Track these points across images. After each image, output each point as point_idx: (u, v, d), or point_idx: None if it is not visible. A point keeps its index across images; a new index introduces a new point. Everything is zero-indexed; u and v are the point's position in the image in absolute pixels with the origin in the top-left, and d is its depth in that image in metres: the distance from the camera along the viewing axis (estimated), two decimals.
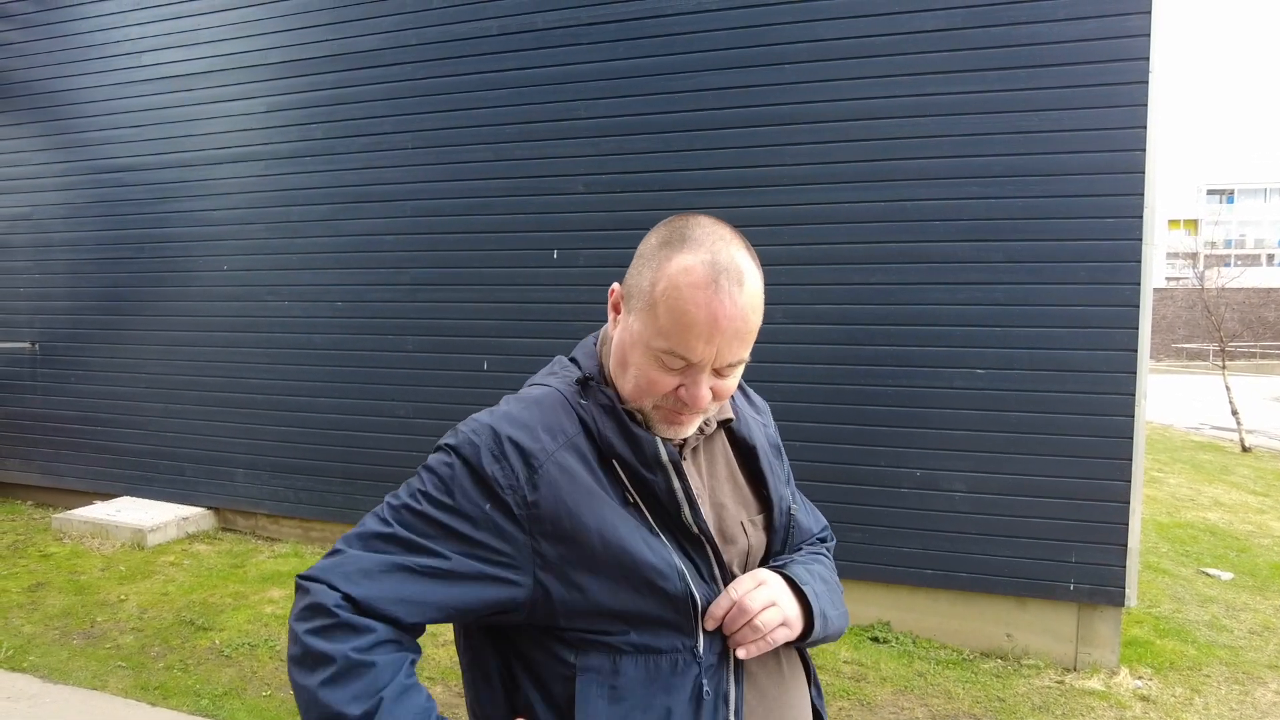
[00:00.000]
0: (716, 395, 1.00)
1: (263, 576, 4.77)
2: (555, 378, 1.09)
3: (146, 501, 5.80)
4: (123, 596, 4.46)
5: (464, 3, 4.75)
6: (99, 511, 5.61)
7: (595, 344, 1.13)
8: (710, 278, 0.93)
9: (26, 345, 6.18)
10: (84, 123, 5.88)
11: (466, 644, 1.07)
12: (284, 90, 5.22)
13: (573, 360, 1.12)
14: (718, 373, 0.98)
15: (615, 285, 1.06)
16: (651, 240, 1.01)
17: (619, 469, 1.01)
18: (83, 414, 6.02)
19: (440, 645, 3.89)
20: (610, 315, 1.08)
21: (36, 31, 6.00)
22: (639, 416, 1.03)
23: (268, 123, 5.28)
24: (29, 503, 6.38)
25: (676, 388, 0.98)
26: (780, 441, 1.24)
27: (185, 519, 5.54)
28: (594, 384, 1.05)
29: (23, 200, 6.12)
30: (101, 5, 5.76)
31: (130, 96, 5.69)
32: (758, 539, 1.11)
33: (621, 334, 1.03)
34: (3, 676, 3.56)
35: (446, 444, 1.01)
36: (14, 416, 6.29)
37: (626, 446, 1.00)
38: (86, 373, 5.99)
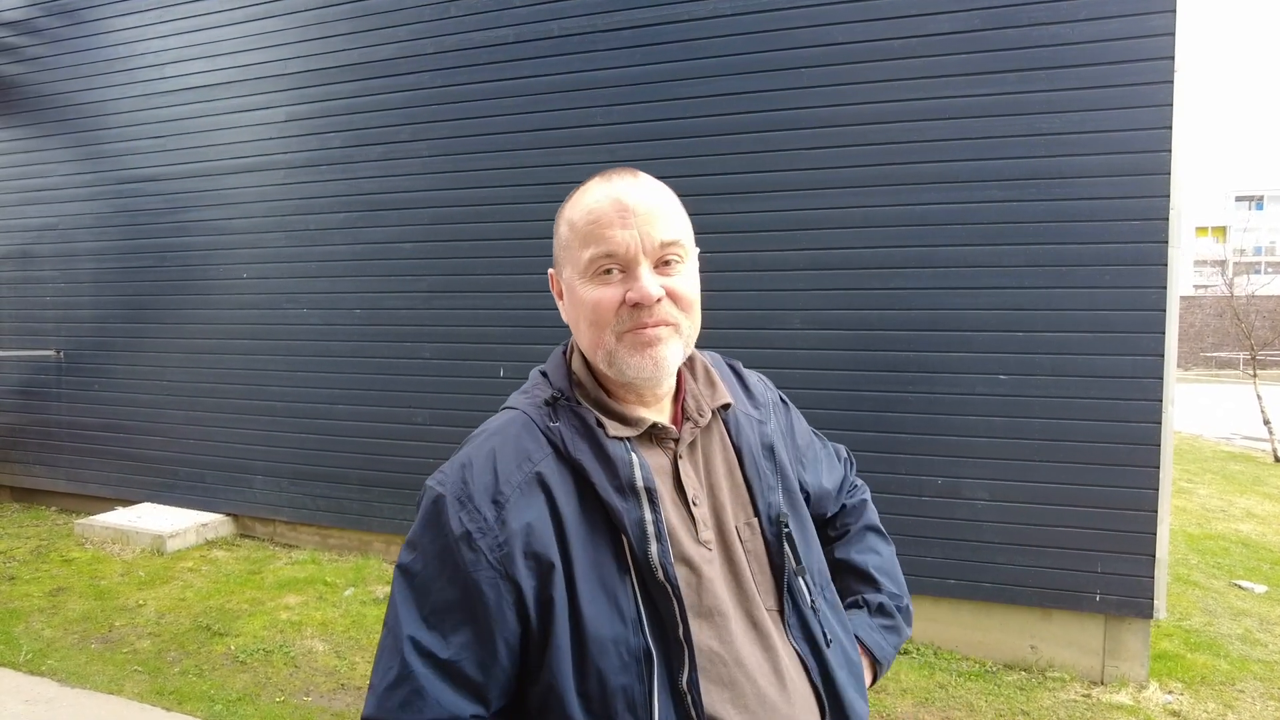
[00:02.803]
0: (675, 299, 0.97)
1: (280, 583, 4.78)
2: (525, 397, 1.04)
3: (167, 508, 5.85)
4: (141, 602, 4.48)
5: (480, 11, 4.77)
6: (120, 517, 5.66)
7: (563, 353, 1.08)
8: (604, 179, 0.98)
9: (52, 353, 6.27)
10: (107, 134, 5.97)
11: None
12: (302, 100, 5.27)
13: (544, 375, 1.06)
14: (660, 269, 0.96)
15: (549, 271, 1.07)
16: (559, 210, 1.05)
17: (593, 493, 0.94)
18: (106, 421, 6.09)
19: None
20: (559, 306, 1.06)
21: (61, 46, 6.11)
22: (614, 429, 0.98)
23: (286, 132, 5.33)
24: (53, 508, 6.46)
25: (624, 298, 0.94)
26: (774, 441, 1.11)
27: (204, 525, 5.57)
28: (564, 402, 0.99)
29: (48, 211, 6.22)
30: (124, 20, 5.85)
31: (152, 108, 5.77)
32: (756, 544, 1.02)
33: (566, 298, 1.02)
34: (22, 680, 3.58)
35: (414, 528, 0.95)
36: (40, 424, 6.38)
37: (599, 468, 0.94)
38: (109, 380, 6.07)
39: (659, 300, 0.94)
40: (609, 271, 0.95)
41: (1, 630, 4.08)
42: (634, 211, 0.94)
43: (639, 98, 4.44)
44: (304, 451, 5.39)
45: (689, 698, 0.89)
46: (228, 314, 5.60)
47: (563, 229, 1.01)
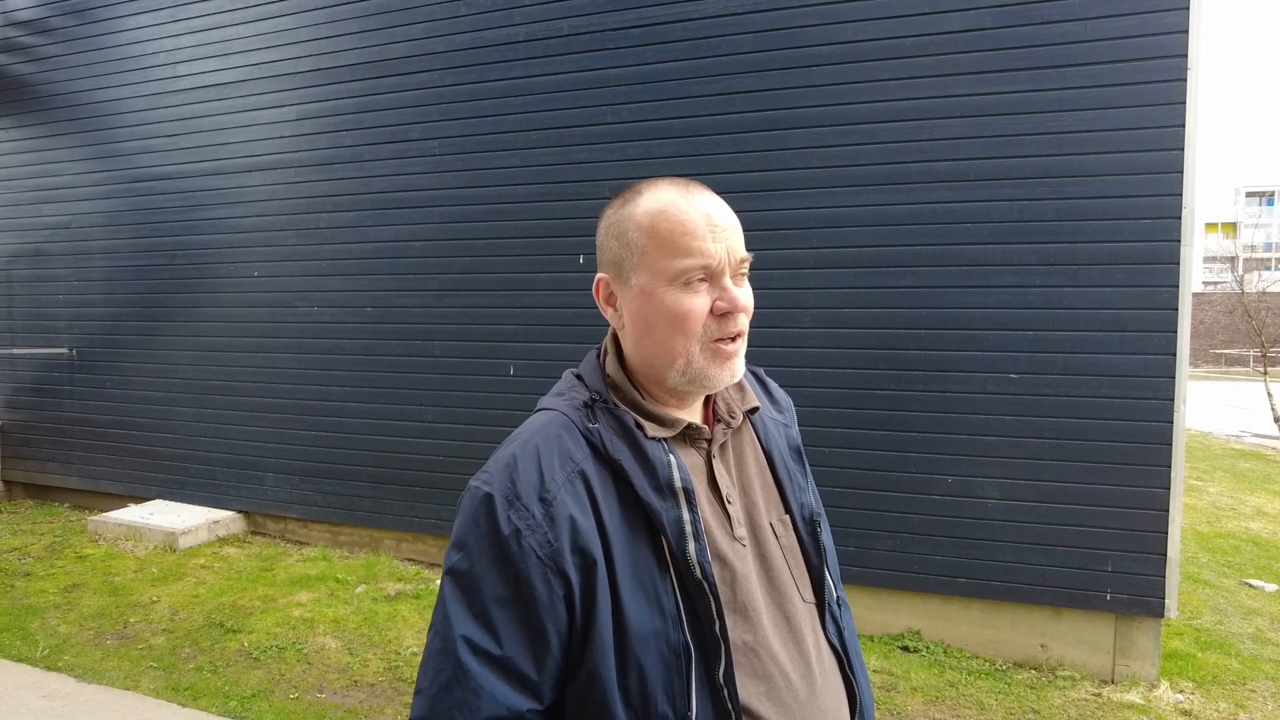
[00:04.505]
0: (746, 311, 1.02)
1: (291, 580, 4.81)
2: (562, 399, 1.06)
3: (179, 504, 5.89)
4: (155, 598, 4.52)
5: (491, 9, 4.78)
6: (133, 514, 5.70)
7: (597, 357, 1.10)
8: (682, 191, 1.00)
9: (65, 351, 6.31)
10: (120, 133, 6.00)
11: None
12: (314, 99, 5.29)
13: (579, 378, 1.08)
14: (734, 280, 1.00)
15: (599, 277, 1.06)
16: (609, 214, 1.05)
17: (632, 493, 0.96)
18: (118, 418, 6.13)
19: None
20: (607, 311, 1.06)
21: (76, 45, 6.14)
22: (653, 430, 1.00)
23: (298, 130, 5.35)
24: (66, 505, 6.50)
25: (712, 306, 0.98)
26: (800, 444, 1.18)
27: (216, 522, 5.61)
28: (601, 404, 1.02)
29: (61, 209, 6.26)
30: (137, 19, 5.88)
31: (165, 107, 5.80)
32: (790, 540, 1.07)
33: (633, 304, 1.02)
34: (39, 675, 3.62)
35: (459, 529, 0.96)
36: (53, 421, 6.43)
37: (638, 469, 0.97)
38: (122, 378, 6.10)
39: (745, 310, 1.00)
40: (698, 281, 0.98)
41: (18, 626, 4.13)
42: (721, 226, 0.98)
43: (650, 96, 4.45)
44: (315, 449, 5.42)
45: (725, 691, 0.92)
46: (239, 312, 5.63)
47: (632, 235, 1.00)
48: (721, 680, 0.92)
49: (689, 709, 0.90)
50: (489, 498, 0.93)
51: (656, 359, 1.01)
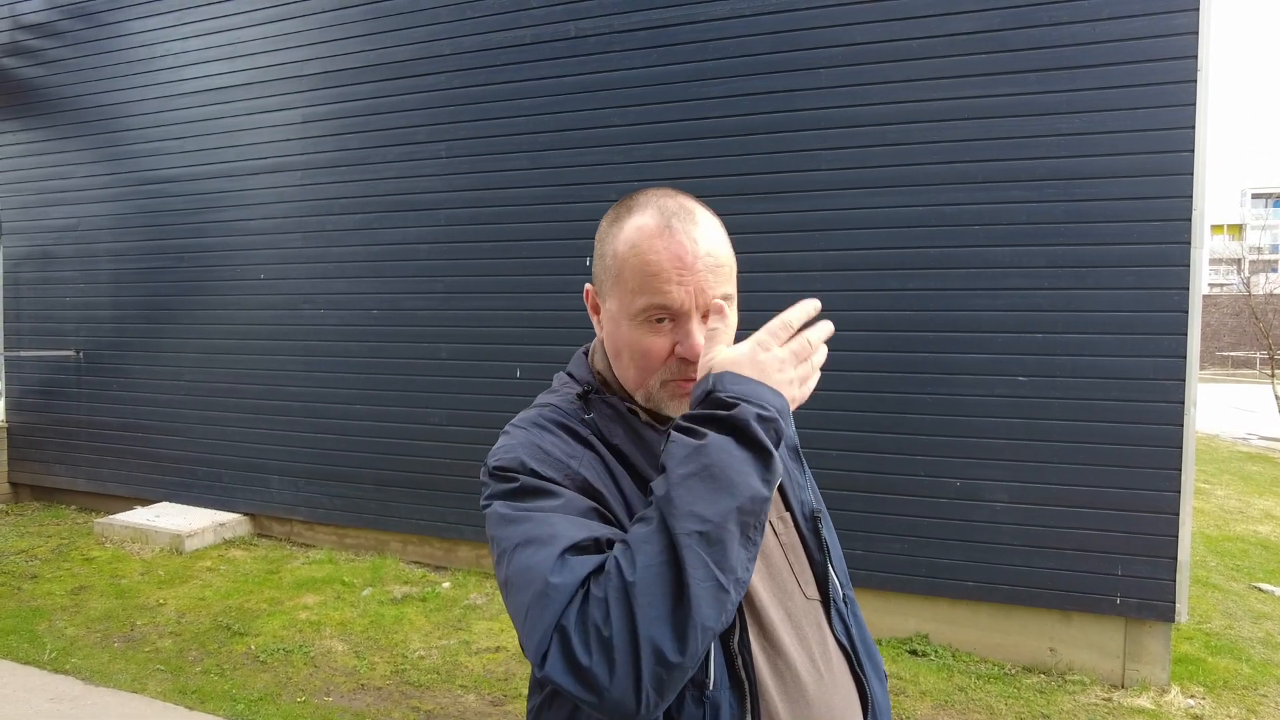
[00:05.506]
0: None
1: (297, 583, 4.80)
2: (555, 394, 1.08)
3: (185, 507, 5.89)
4: (162, 601, 4.52)
5: (498, 12, 4.78)
6: (139, 517, 5.71)
7: (585, 355, 1.12)
8: (662, 224, 0.95)
9: (71, 353, 6.32)
10: (127, 136, 6.01)
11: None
12: (321, 101, 5.30)
13: (570, 375, 1.11)
14: (708, 317, 0.96)
15: (587, 286, 1.07)
16: (603, 226, 1.03)
17: (637, 473, 0.99)
18: (124, 421, 6.14)
19: (474, 654, 3.88)
20: (593, 319, 1.08)
21: (83, 48, 6.15)
22: (645, 416, 1.02)
23: (305, 133, 5.35)
24: (73, 507, 6.51)
25: (673, 349, 0.97)
26: (798, 443, 1.18)
27: (222, 525, 5.61)
28: (593, 394, 1.04)
29: (69, 212, 6.27)
30: (144, 22, 5.90)
31: (172, 110, 5.81)
32: (791, 538, 1.07)
33: (607, 325, 1.03)
34: (47, 678, 3.62)
35: (493, 468, 0.97)
36: (59, 423, 6.44)
37: (636, 451, 0.99)
38: (128, 380, 6.11)
39: None
40: (660, 320, 0.97)
41: (25, 628, 4.13)
42: (690, 269, 0.94)
43: (657, 98, 4.44)
44: (321, 451, 5.42)
45: (740, 659, 0.92)
46: (246, 314, 5.64)
47: (609, 259, 1.00)
48: (736, 648, 0.92)
49: (706, 676, 0.90)
50: (517, 459, 0.95)
51: (624, 380, 1.03)
